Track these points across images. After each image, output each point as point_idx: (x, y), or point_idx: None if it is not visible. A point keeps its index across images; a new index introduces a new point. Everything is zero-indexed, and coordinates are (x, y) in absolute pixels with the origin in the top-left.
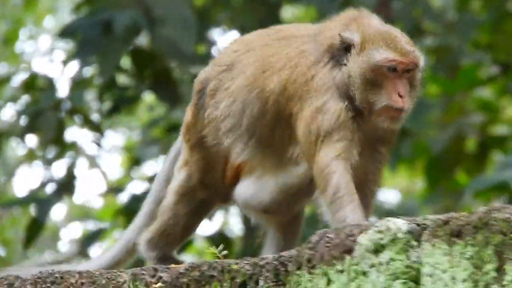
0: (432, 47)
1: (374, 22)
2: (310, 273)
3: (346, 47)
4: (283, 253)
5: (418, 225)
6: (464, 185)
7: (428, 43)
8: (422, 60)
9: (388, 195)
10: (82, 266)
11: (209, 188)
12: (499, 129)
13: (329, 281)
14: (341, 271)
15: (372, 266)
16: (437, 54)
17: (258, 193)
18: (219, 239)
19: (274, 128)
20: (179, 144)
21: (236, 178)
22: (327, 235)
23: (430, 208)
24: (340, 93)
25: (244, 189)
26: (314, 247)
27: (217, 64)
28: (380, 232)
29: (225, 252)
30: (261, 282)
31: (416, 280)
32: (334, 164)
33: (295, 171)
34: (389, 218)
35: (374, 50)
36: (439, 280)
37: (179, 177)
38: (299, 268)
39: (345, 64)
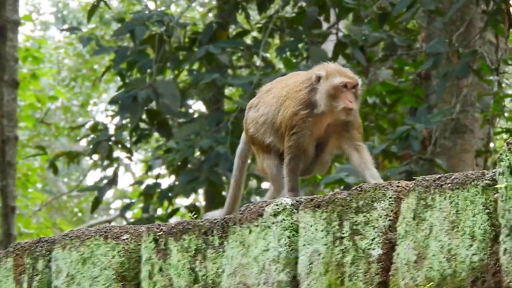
0: None
1: (332, 65)
2: (240, 227)
3: (318, 79)
4: (227, 216)
5: (297, 201)
6: (320, 180)
7: None
8: (360, 81)
9: None
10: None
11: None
12: None
13: (250, 231)
14: (257, 226)
15: (273, 223)
16: None
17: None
18: (193, 208)
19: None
20: (242, 142)
21: None
22: (249, 206)
23: (302, 193)
24: (308, 105)
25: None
26: (242, 213)
27: (260, 91)
28: (277, 205)
29: (195, 215)
30: (214, 231)
31: (297, 230)
32: (291, 147)
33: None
34: (282, 198)
35: (333, 77)
36: (308, 230)
37: (263, 158)
38: (234, 224)
39: (317, 88)
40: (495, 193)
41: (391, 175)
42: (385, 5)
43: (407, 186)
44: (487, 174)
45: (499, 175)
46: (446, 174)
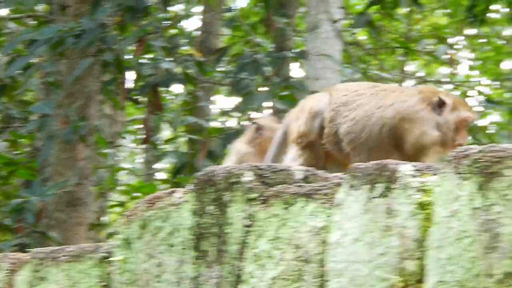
0: None
1: (454, 95)
2: None
3: (440, 104)
4: None
5: None
6: None
7: None
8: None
9: None
10: None
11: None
12: None
13: None
14: None
15: None
16: None
17: None
18: None
19: (382, 140)
20: (277, 141)
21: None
22: None
23: None
24: (435, 127)
25: None
26: None
27: (333, 103)
28: None
29: None
30: None
31: None
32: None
33: None
34: None
35: (462, 110)
36: None
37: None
38: None
39: (440, 114)
40: (110, 266)
41: (4, 248)
42: (3, 77)
43: (22, 259)
44: (102, 247)
45: (115, 247)
46: (63, 246)
